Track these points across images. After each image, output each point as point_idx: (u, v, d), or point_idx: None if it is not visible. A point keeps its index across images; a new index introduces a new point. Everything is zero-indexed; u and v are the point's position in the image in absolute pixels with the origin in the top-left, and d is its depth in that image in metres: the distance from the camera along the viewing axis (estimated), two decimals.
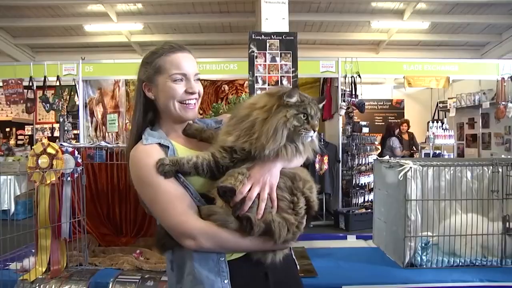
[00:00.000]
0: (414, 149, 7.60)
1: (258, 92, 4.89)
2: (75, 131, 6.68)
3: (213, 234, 1.09)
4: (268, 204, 1.11)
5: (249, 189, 1.10)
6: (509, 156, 5.44)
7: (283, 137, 1.09)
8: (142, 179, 1.16)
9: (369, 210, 5.49)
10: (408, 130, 7.81)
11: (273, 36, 5.12)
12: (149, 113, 1.29)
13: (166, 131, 1.28)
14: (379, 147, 7.51)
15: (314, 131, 1.13)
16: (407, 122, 7.93)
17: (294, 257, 1.33)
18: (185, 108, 1.25)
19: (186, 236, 1.09)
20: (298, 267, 1.37)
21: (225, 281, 1.11)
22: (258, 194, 1.10)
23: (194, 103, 1.27)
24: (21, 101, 6.41)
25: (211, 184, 1.16)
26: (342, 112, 6.17)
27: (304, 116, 1.11)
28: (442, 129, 6.96)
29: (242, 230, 1.08)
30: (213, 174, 1.14)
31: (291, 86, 1.08)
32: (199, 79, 1.28)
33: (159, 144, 1.21)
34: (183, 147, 1.26)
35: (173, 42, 1.29)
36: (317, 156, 6.08)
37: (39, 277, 1.86)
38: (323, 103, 1.20)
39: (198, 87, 1.26)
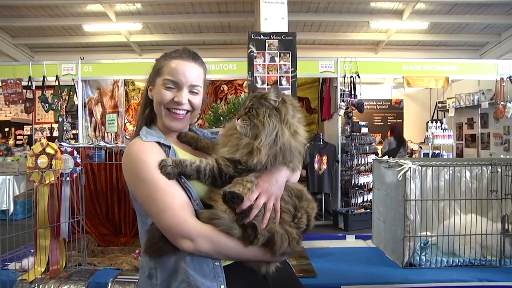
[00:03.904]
0: None
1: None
2: (74, 131, 6.67)
3: (213, 238, 1.05)
4: (272, 214, 1.10)
5: (256, 198, 1.09)
6: (508, 156, 5.43)
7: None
8: (138, 175, 1.11)
9: (368, 210, 5.49)
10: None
11: (272, 36, 5.11)
12: (151, 112, 1.29)
13: (163, 132, 1.26)
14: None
15: (237, 119, 1.17)
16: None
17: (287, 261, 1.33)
18: (170, 116, 1.22)
19: (184, 237, 1.05)
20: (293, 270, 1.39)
21: (222, 287, 1.08)
22: (264, 204, 1.09)
23: (183, 114, 1.23)
24: (20, 101, 6.40)
25: (210, 191, 1.14)
26: (341, 112, 6.17)
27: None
28: (441, 129, 6.97)
29: (245, 238, 1.06)
30: (215, 180, 1.12)
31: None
32: (197, 92, 1.23)
33: (158, 143, 1.19)
34: (182, 150, 1.24)
35: (188, 48, 1.27)
36: (316, 156, 6.09)
37: (38, 277, 1.86)
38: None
39: (192, 99, 1.22)
